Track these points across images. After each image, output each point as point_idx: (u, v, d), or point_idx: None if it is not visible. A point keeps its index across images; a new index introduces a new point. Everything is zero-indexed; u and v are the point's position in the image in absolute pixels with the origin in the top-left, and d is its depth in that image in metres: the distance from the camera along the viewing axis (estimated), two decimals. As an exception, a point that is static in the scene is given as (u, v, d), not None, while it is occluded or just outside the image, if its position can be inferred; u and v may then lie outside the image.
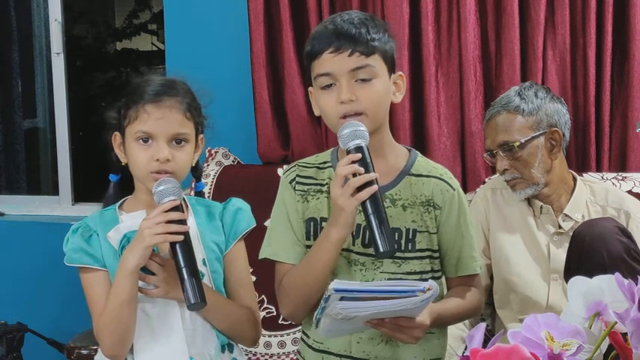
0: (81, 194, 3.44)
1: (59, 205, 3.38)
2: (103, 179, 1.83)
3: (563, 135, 2.18)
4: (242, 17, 2.80)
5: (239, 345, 1.77)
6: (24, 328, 2.61)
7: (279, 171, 2.66)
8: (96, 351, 2.25)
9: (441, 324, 1.64)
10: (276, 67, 2.80)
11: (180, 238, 1.56)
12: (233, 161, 2.77)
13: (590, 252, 1.87)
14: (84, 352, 2.35)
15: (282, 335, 2.53)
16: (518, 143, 2.13)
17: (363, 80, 1.58)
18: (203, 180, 2.63)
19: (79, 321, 2.35)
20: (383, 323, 1.48)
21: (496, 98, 2.30)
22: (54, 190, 3.62)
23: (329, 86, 1.60)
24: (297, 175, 1.71)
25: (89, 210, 3.22)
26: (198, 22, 2.95)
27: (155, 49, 6.21)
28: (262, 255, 1.69)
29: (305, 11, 2.73)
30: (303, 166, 1.72)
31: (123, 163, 1.71)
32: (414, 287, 1.40)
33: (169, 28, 3.01)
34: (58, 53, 3.32)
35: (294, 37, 2.74)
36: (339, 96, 1.57)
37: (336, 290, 1.36)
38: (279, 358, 2.52)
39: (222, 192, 2.55)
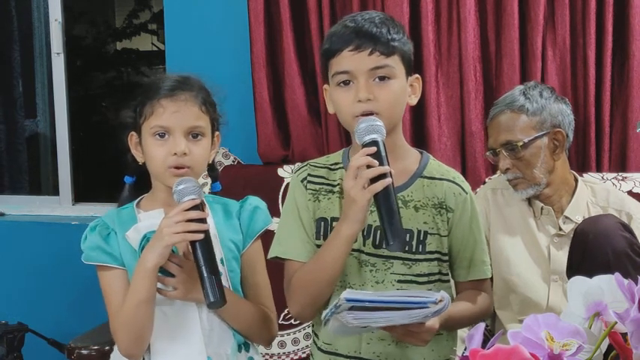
0: (81, 194, 3.44)
1: (59, 206, 3.38)
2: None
3: (567, 136, 2.18)
4: (242, 17, 2.80)
5: (255, 344, 1.77)
6: (24, 328, 2.61)
7: (280, 171, 2.66)
8: (97, 351, 2.27)
9: (450, 327, 1.63)
10: (276, 67, 2.80)
11: (200, 236, 1.55)
12: (233, 161, 2.77)
13: (594, 249, 1.87)
14: (84, 352, 2.35)
15: (282, 335, 2.53)
16: (521, 143, 2.13)
17: (381, 79, 1.58)
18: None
19: (79, 321, 2.35)
20: (393, 327, 1.48)
21: (496, 98, 2.30)
22: (54, 190, 3.62)
23: (346, 84, 1.59)
24: (309, 175, 1.70)
25: (89, 210, 3.25)
26: (198, 22, 2.95)
27: (155, 49, 6.21)
28: (272, 254, 1.69)
29: (305, 11, 2.73)
30: (314, 166, 1.72)
31: (140, 163, 1.71)
32: (427, 298, 1.40)
33: (169, 28, 3.01)
34: (58, 53, 3.32)
35: (294, 37, 2.74)
36: (356, 94, 1.57)
37: (348, 300, 1.36)
38: (279, 358, 2.52)
39: (222, 192, 2.55)
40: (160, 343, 1.64)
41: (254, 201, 1.79)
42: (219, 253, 1.69)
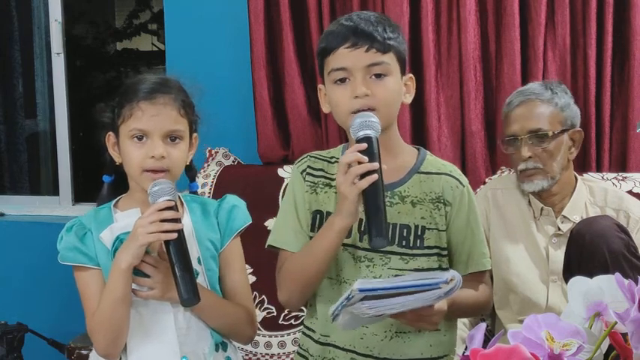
0: (81, 194, 3.44)
1: (59, 206, 3.39)
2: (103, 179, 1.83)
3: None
4: (242, 17, 2.80)
5: (233, 343, 1.77)
6: (24, 329, 2.61)
7: (280, 171, 2.66)
8: (96, 351, 2.26)
9: (455, 311, 1.63)
10: (276, 67, 2.80)
11: (174, 236, 1.56)
12: (233, 161, 2.77)
13: (591, 250, 1.87)
14: (84, 352, 2.35)
15: (282, 335, 2.53)
16: (551, 133, 2.14)
17: (378, 76, 1.59)
18: (203, 180, 2.64)
19: (79, 321, 2.34)
20: (403, 314, 1.48)
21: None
22: (54, 191, 3.63)
23: (343, 81, 1.61)
24: (309, 167, 1.73)
25: (89, 210, 3.24)
26: (198, 22, 2.95)
27: (155, 49, 6.21)
28: (267, 242, 1.72)
29: (305, 11, 2.73)
30: (314, 158, 1.75)
31: (117, 163, 1.71)
32: (437, 280, 1.40)
33: (169, 28, 3.01)
34: (58, 53, 3.32)
35: (294, 37, 2.74)
36: (353, 90, 1.59)
37: (361, 290, 1.36)
38: (279, 358, 2.52)
39: (222, 192, 2.53)
40: (135, 342, 1.65)
41: (232, 199, 1.79)
42: (196, 252, 1.69)
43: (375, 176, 1.49)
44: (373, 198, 1.49)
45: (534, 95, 2.18)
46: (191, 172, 1.83)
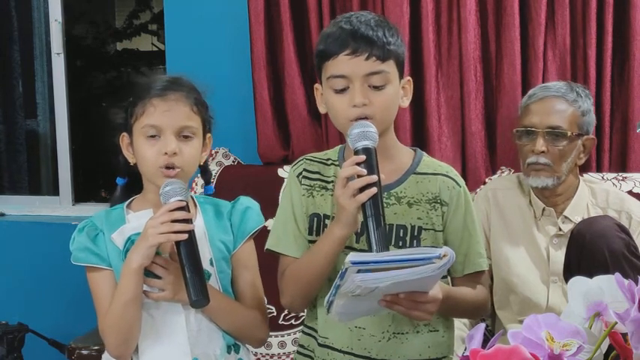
0: (81, 194, 3.44)
1: (59, 206, 3.39)
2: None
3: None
4: (242, 17, 2.80)
5: (246, 345, 1.77)
6: (25, 329, 2.61)
7: (280, 171, 2.66)
8: (97, 351, 2.27)
9: (452, 308, 1.63)
10: (276, 67, 2.80)
11: (185, 236, 1.56)
12: (233, 161, 2.77)
13: (591, 250, 1.88)
14: (85, 352, 2.35)
15: (282, 335, 2.53)
16: (569, 133, 2.14)
17: (376, 87, 1.59)
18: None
19: (80, 321, 2.35)
20: (398, 300, 1.48)
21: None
22: (54, 190, 3.63)
23: (342, 89, 1.60)
24: (304, 170, 1.72)
25: (90, 210, 3.25)
26: (198, 22, 2.95)
27: (155, 49, 6.21)
28: (266, 246, 1.72)
29: (305, 11, 2.73)
30: (310, 160, 1.74)
31: (132, 164, 1.71)
32: (430, 254, 1.39)
33: (169, 29, 3.01)
34: (58, 53, 3.32)
35: (294, 38, 2.74)
36: (352, 99, 1.58)
37: (353, 263, 1.36)
38: (279, 358, 2.52)
39: (222, 192, 2.53)
40: (146, 344, 1.65)
41: (245, 201, 1.79)
42: (208, 253, 1.69)
43: (374, 189, 1.49)
44: (373, 210, 1.49)
45: (560, 93, 2.18)
46: (206, 174, 1.84)
